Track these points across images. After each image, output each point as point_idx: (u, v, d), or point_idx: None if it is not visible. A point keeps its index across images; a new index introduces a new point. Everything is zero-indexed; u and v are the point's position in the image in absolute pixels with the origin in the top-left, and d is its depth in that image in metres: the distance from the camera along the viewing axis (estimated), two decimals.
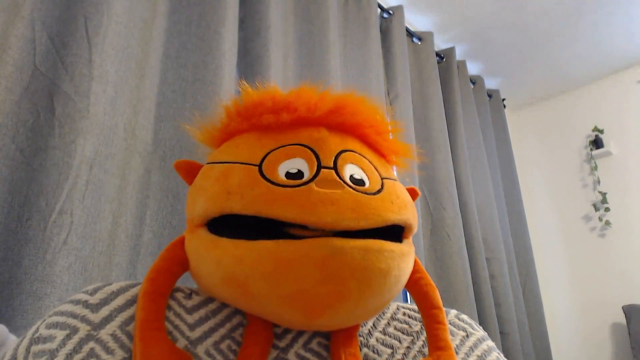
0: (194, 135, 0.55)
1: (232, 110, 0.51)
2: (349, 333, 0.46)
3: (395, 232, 0.45)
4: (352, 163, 0.45)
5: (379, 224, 0.41)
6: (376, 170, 0.47)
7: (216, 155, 0.49)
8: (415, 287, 0.50)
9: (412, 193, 0.53)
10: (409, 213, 0.46)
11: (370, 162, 0.48)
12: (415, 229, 0.48)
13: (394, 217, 0.43)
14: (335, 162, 0.44)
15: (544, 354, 1.95)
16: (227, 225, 0.42)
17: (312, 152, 0.44)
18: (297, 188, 0.40)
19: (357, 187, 0.43)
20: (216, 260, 0.41)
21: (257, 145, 0.46)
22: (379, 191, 0.44)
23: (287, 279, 0.39)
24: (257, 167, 0.43)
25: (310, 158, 0.44)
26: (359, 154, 0.47)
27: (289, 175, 0.42)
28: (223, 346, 0.43)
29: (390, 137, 0.53)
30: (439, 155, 1.73)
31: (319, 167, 0.43)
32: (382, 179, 0.46)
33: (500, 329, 1.70)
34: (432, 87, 1.87)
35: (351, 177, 0.44)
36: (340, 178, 0.42)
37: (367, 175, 0.45)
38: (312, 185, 0.41)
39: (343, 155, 0.45)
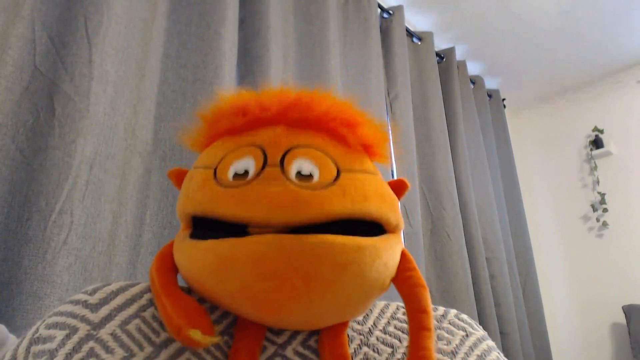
0: (183, 142, 0.57)
1: (208, 117, 0.52)
2: (335, 332, 0.45)
3: (372, 228, 0.44)
4: (302, 157, 0.44)
5: (320, 218, 0.40)
6: (335, 163, 0.45)
7: (196, 161, 0.51)
8: (403, 286, 0.46)
9: (399, 185, 0.50)
10: (373, 205, 0.43)
11: (328, 155, 0.45)
12: (396, 223, 0.46)
13: (340, 209, 0.41)
14: (282, 159, 0.43)
15: (544, 354, 1.95)
16: (204, 228, 0.44)
17: (262, 152, 0.44)
18: (237, 188, 0.41)
19: (301, 182, 0.42)
20: (180, 262, 0.44)
21: (220, 148, 0.47)
22: (329, 184, 0.42)
23: (229, 276, 0.40)
24: (212, 170, 0.44)
25: (259, 157, 0.44)
26: (315, 149, 0.45)
27: (236, 176, 0.43)
28: (221, 342, 0.43)
29: (367, 130, 0.50)
30: (439, 155, 1.73)
31: (265, 165, 0.43)
32: (339, 171, 0.44)
33: (500, 329, 1.70)
34: (432, 87, 1.87)
35: (298, 173, 0.43)
36: (285, 175, 0.42)
37: (319, 168, 0.43)
38: (253, 183, 0.41)
39: (293, 151, 0.44)
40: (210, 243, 0.40)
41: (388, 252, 0.44)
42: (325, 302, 0.41)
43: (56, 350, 0.38)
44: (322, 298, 0.41)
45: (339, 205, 0.41)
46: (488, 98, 2.42)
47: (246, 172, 0.43)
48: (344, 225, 0.41)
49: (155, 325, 0.42)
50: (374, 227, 0.44)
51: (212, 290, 0.42)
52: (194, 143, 0.54)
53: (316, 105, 0.48)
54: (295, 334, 0.46)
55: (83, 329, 0.40)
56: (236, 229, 0.40)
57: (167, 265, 0.45)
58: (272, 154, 0.43)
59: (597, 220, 2.40)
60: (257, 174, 0.42)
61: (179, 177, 0.52)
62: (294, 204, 0.39)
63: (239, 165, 0.44)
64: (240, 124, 0.48)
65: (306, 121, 0.47)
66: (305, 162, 0.43)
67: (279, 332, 0.46)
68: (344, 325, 0.47)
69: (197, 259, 0.41)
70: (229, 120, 0.48)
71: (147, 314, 0.43)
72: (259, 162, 0.43)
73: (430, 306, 0.45)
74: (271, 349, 0.44)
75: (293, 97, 0.48)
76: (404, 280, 0.46)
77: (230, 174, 0.43)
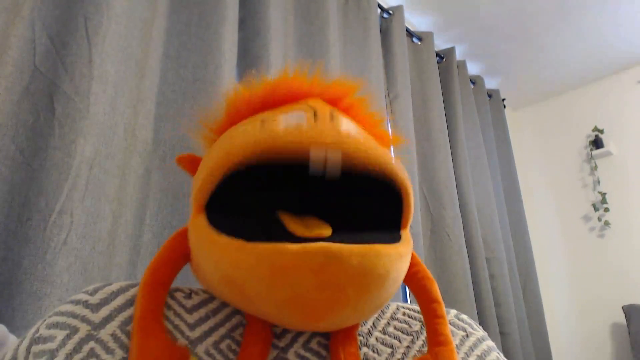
0: (195, 137, 0.56)
1: (235, 100, 0.52)
2: (348, 332, 0.46)
3: (392, 222, 0.45)
4: (346, 120, 0.47)
5: (378, 157, 0.42)
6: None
7: (215, 144, 0.51)
8: (413, 280, 0.49)
9: None
10: (401, 171, 0.46)
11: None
12: (411, 212, 0.47)
13: (391, 165, 0.43)
14: (331, 115, 0.46)
15: (544, 354, 1.95)
16: (224, 211, 0.42)
17: (310, 109, 0.46)
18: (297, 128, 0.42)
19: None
20: (214, 260, 0.41)
21: (255, 116, 0.49)
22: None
23: (283, 284, 0.38)
24: (259, 123, 0.44)
25: (308, 111, 0.46)
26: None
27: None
28: (223, 346, 0.43)
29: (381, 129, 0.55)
30: (439, 155, 1.73)
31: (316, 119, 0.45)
32: None
33: (500, 329, 1.70)
34: (432, 87, 1.87)
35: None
36: (337, 125, 0.44)
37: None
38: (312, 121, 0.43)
39: (337, 113, 0.48)
40: (260, 248, 0.38)
41: (410, 253, 0.47)
42: (366, 307, 0.42)
43: (57, 350, 0.38)
44: (364, 304, 0.42)
45: (381, 152, 0.43)
46: (488, 98, 2.42)
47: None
48: (377, 219, 0.44)
49: None
50: (394, 222, 0.46)
51: (252, 295, 0.40)
52: (211, 131, 0.54)
53: (346, 97, 0.52)
54: (297, 336, 0.46)
55: (83, 329, 0.40)
56: (266, 221, 0.41)
57: (161, 276, 0.43)
58: (321, 110, 0.46)
59: (599, 219, 2.40)
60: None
61: (192, 162, 0.51)
62: (360, 141, 0.42)
63: (290, 116, 0.44)
64: (281, 96, 0.50)
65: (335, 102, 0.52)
66: (350, 123, 0.47)
67: (280, 335, 0.46)
68: (357, 324, 0.48)
69: (244, 264, 0.39)
70: (274, 90, 0.50)
71: None
72: (309, 114, 0.45)
73: (440, 296, 0.48)
74: (273, 353, 0.44)
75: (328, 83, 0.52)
76: (412, 275, 0.49)
77: (282, 125, 0.43)
